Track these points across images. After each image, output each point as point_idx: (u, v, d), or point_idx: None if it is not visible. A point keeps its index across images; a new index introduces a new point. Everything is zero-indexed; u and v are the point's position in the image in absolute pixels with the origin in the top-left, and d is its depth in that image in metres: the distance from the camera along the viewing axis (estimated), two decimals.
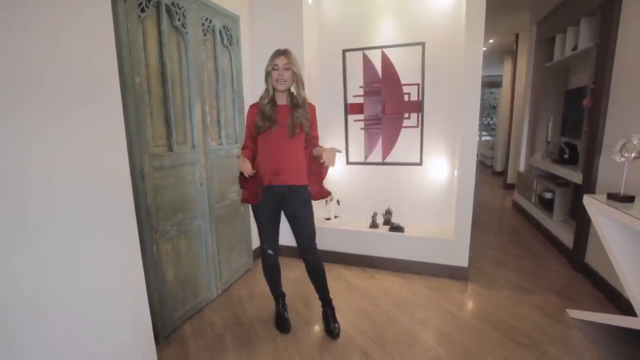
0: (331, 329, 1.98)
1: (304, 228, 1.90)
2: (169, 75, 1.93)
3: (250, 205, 1.97)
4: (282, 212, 1.94)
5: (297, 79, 1.80)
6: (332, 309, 2.05)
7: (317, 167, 1.93)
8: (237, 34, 2.57)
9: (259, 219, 1.93)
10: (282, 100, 1.85)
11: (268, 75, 1.80)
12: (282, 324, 2.05)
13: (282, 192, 1.86)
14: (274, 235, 1.96)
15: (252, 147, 1.91)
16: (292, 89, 1.84)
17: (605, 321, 1.92)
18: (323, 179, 1.99)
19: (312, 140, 1.92)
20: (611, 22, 2.32)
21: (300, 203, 1.88)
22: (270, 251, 1.94)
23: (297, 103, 1.82)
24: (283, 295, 2.15)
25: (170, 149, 1.99)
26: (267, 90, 1.83)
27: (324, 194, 2.01)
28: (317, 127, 1.96)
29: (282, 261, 2.11)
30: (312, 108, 1.92)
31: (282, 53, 1.77)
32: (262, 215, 1.91)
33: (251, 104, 1.91)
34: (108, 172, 1.29)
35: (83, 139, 1.18)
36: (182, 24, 2.02)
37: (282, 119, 1.82)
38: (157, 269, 1.88)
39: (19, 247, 1.00)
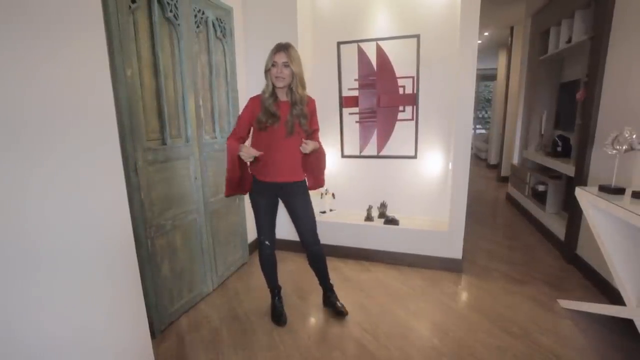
0: (339, 308, 2.09)
1: (303, 219, 1.95)
2: (161, 68, 1.91)
3: (248, 196, 1.99)
4: (282, 204, 1.98)
5: (295, 77, 1.77)
6: (334, 292, 2.16)
7: (314, 161, 1.93)
8: (231, 26, 2.54)
9: (256, 210, 1.96)
10: (282, 96, 1.83)
11: (268, 72, 1.78)
12: (277, 317, 2.06)
13: (278, 186, 1.91)
14: (271, 227, 2.00)
15: (245, 137, 1.89)
16: (292, 85, 1.81)
17: (595, 311, 1.96)
18: (321, 172, 2.00)
19: (312, 134, 1.92)
20: (605, 14, 2.32)
21: (298, 194, 1.93)
22: (267, 242, 1.99)
23: (295, 100, 1.80)
24: (279, 288, 2.17)
25: (164, 143, 1.97)
26: (267, 85, 1.81)
27: (320, 183, 2.02)
28: (317, 120, 1.96)
29: (279, 255, 2.14)
30: (312, 102, 1.91)
31: (282, 49, 1.74)
32: (259, 207, 1.95)
33: (252, 96, 1.89)
34: (100, 166, 1.28)
35: (73, 133, 1.17)
36: (175, 15, 1.98)
37: (283, 117, 1.81)
38: (152, 263, 1.88)
39: (17, 250, 1.00)
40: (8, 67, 0.97)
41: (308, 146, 1.78)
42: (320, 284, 2.15)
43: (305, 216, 1.96)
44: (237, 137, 1.86)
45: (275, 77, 1.75)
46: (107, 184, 1.31)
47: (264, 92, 1.81)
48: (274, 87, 1.80)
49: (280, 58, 1.73)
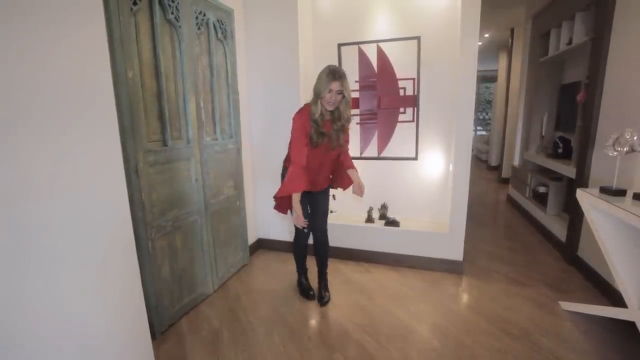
0: (322, 296, 2.28)
1: (320, 207, 2.21)
2: (162, 70, 1.91)
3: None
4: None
5: (346, 101, 1.92)
6: (326, 280, 2.36)
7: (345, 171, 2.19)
8: (232, 28, 2.54)
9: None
10: (327, 115, 1.97)
11: (319, 96, 1.86)
12: (307, 291, 2.32)
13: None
14: (307, 216, 2.15)
15: (308, 153, 1.97)
16: (340, 107, 1.93)
17: (596, 313, 1.96)
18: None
19: (344, 144, 2.09)
20: (605, 16, 2.33)
21: (325, 193, 2.23)
22: (305, 230, 2.16)
23: (337, 117, 1.95)
24: (306, 269, 2.41)
25: (165, 144, 1.97)
26: (316, 107, 1.89)
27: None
28: (348, 132, 2.11)
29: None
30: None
31: (338, 79, 1.83)
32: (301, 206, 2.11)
33: (297, 113, 1.97)
34: (101, 168, 1.28)
35: (75, 134, 1.17)
36: (176, 17, 1.99)
37: (328, 133, 1.98)
38: (153, 265, 1.88)
39: (18, 250, 1.00)
40: (7, 64, 0.98)
41: (362, 190, 2.08)
42: (317, 269, 2.34)
43: (322, 205, 2.23)
44: (304, 155, 1.93)
45: (328, 102, 1.87)
46: (108, 185, 1.31)
47: (313, 113, 1.90)
48: (321, 108, 1.91)
49: (336, 87, 1.84)
